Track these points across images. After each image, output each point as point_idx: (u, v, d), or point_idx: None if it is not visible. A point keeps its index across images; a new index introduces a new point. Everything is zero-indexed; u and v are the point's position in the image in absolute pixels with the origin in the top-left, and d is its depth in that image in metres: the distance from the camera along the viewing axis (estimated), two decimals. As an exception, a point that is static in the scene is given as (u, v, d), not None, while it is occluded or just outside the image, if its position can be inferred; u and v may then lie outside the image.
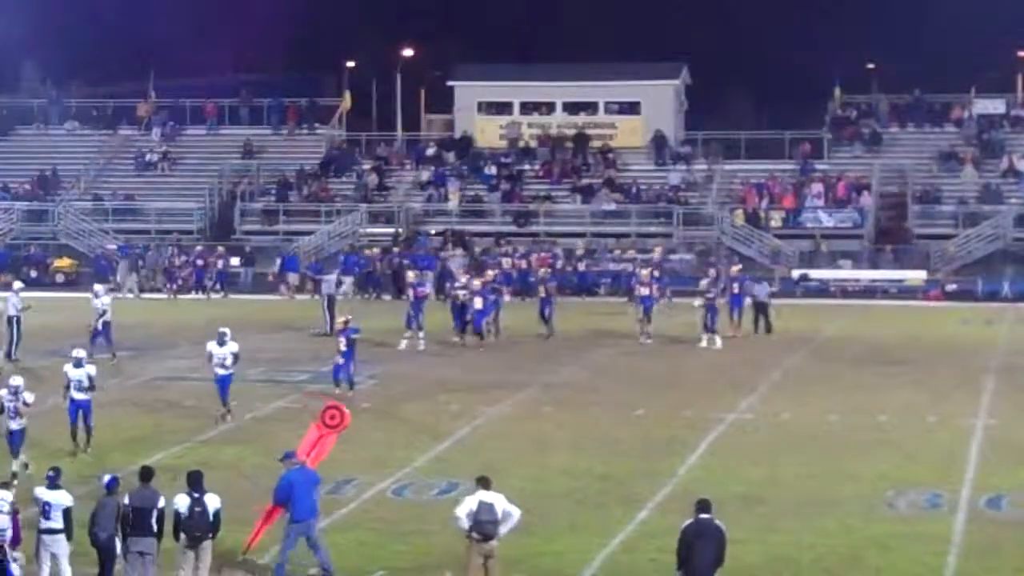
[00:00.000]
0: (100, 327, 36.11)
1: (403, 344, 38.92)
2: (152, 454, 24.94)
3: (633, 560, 19.70)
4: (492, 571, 17.65)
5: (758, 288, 42.02)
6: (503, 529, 17.73)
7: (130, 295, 52.58)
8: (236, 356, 28.34)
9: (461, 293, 39.86)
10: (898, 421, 28.83)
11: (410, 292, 40.33)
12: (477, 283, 40.10)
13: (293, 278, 53.62)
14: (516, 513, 17.82)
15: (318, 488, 19.13)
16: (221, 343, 28.34)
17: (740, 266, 45.08)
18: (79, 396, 25.48)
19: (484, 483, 17.86)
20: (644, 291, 40.03)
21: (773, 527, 21.07)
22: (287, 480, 18.73)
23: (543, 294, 41.53)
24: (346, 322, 32.17)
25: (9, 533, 17.47)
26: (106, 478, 18.08)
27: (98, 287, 38.18)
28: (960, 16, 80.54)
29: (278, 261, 54.71)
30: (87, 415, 25.54)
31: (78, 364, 25.73)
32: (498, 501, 17.68)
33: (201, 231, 61.00)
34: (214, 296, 53.22)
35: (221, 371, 28.27)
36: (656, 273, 42.21)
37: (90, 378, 25.59)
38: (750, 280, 42.59)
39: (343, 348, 31.29)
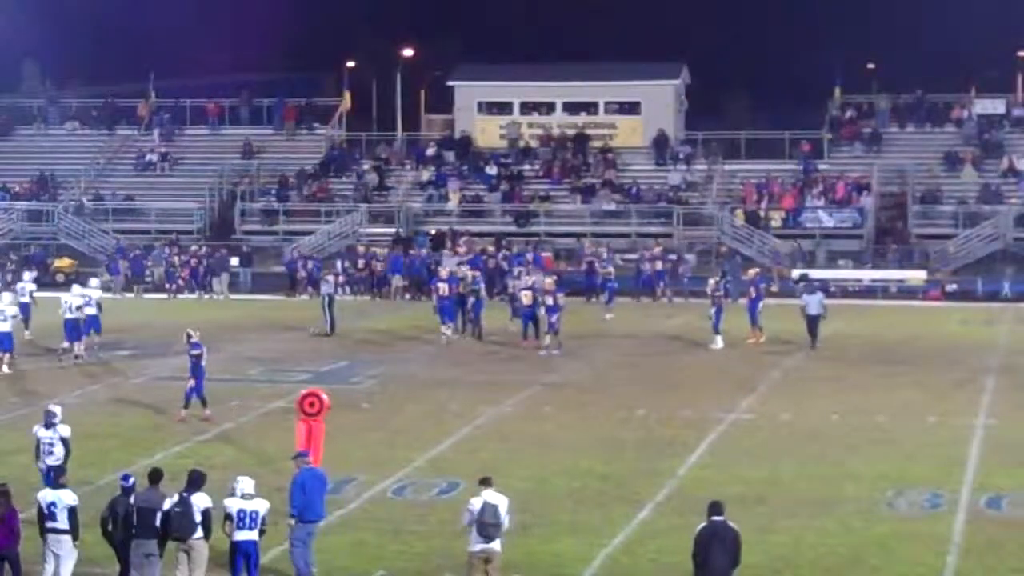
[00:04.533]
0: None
1: (444, 338, 39.42)
2: (152, 454, 24.94)
3: (633, 560, 19.69)
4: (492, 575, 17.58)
5: (809, 299, 39.44)
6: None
7: (220, 297, 52.72)
8: (66, 444, 21.52)
9: (523, 293, 39.65)
10: (898, 421, 28.82)
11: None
12: (549, 282, 39.82)
13: (397, 280, 51.99)
14: (505, 524, 17.63)
15: (325, 490, 19.03)
16: (48, 425, 21.63)
17: (757, 269, 44.51)
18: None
19: (487, 482, 17.77)
20: (549, 300, 38.26)
21: (773, 527, 21.06)
22: (299, 482, 18.54)
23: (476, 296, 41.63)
24: (188, 336, 29.37)
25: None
26: (131, 479, 18.01)
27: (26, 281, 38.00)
28: (960, 16, 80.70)
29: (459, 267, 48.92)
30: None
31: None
32: (502, 504, 17.58)
33: (201, 231, 60.99)
34: (305, 298, 51.51)
35: (48, 461, 21.34)
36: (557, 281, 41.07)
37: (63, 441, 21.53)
38: (806, 292, 40.16)
39: (190, 365, 28.96)
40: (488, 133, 64.73)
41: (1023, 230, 56.18)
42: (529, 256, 51.16)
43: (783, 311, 41.54)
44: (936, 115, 63.37)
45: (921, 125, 63.29)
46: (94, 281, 39.87)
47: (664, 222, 58.72)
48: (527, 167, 62.95)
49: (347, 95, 69.40)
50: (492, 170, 62.34)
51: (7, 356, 35.17)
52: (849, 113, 63.98)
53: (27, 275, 43.00)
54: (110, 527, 17.73)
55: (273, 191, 62.29)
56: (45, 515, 17.76)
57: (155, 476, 18.09)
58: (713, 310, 39.29)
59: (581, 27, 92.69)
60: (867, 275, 54.56)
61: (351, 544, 20.21)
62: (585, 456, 25.61)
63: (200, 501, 17.62)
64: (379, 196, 61.87)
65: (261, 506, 17.79)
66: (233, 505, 17.70)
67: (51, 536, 17.73)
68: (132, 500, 17.68)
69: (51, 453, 21.39)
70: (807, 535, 20.74)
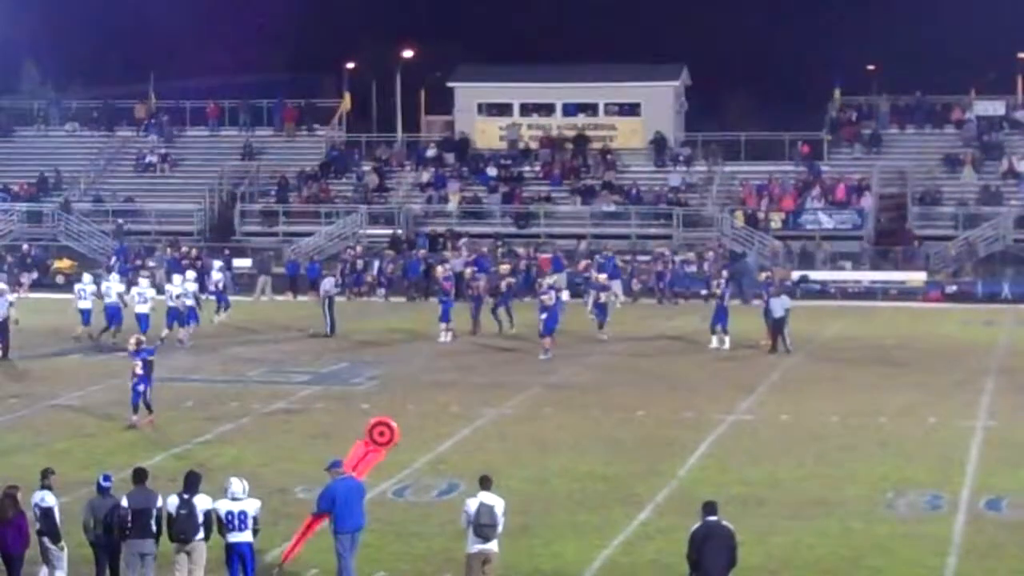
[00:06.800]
0: None
1: (442, 337, 40.35)
2: (152, 455, 24.93)
3: (633, 561, 19.69)
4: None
5: (775, 302, 38.54)
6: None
7: (264, 298, 52.55)
8: None
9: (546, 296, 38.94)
10: (898, 422, 28.82)
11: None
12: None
13: (484, 281, 44.86)
14: (501, 525, 17.59)
15: (363, 498, 18.77)
16: None
17: (768, 272, 44.29)
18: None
19: (485, 483, 17.74)
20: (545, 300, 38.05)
21: (773, 528, 21.06)
22: (331, 490, 18.29)
23: (473, 292, 42.57)
24: (138, 343, 28.97)
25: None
26: (110, 479, 17.97)
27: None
28: (960, 17, 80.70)
29: (466, 268, 48.33)
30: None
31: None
32: (498, 505, 17.57)
33: (201, 232, 61.01)
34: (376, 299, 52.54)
35: None
36: (551, 282, 41.02)
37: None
38: (776, 295, 39.14)
39: (139, 371, 28.14)
40: (488, 134, 64.74)
41: (1023, 231, 56.19)
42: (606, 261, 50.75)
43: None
44: (936, 116, 63.37)
45: (921, 126, 63.28)
46: (191, 274, 42.05)
47: (664, 224, 58.72)
48: (527, 168, 62.97)
49: (347, 96, 69.48)
50: (492, 171, 62.37)
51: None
52: (849, 114, 64.00)
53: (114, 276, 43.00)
54: (92, 528, 17.71)
55: (273, 192, 62.32)
56: (35, 516, 17.80)
57: (141, 475, 18.04)
58: (714, 311, 39.25)
59: (581, 27, 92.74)
60: (867, 276, 54.57)
61: (351, 545, 20.20)
62: (585, 457, 25.62)
63: (201, 503, 17.63)
64: (379, 197, 61.90)
65: (250, 506, 17.69)
66: (223, 507, 17.67)
67: (41, 537, 17.76)
68: (124, 501, 17.64)
69: None
70: (807, 536, 20.74)
